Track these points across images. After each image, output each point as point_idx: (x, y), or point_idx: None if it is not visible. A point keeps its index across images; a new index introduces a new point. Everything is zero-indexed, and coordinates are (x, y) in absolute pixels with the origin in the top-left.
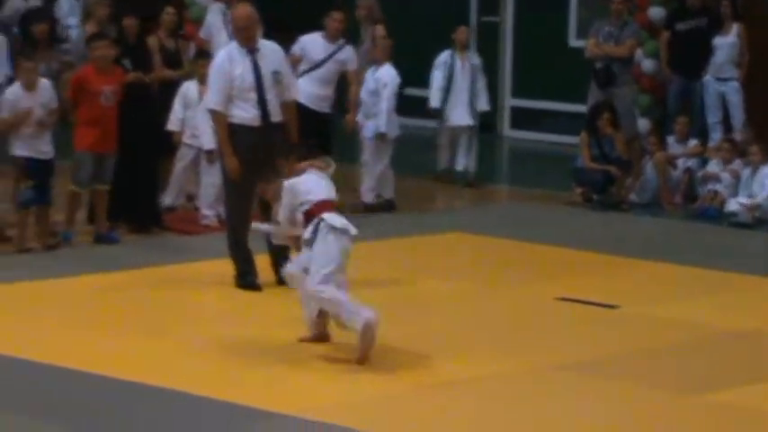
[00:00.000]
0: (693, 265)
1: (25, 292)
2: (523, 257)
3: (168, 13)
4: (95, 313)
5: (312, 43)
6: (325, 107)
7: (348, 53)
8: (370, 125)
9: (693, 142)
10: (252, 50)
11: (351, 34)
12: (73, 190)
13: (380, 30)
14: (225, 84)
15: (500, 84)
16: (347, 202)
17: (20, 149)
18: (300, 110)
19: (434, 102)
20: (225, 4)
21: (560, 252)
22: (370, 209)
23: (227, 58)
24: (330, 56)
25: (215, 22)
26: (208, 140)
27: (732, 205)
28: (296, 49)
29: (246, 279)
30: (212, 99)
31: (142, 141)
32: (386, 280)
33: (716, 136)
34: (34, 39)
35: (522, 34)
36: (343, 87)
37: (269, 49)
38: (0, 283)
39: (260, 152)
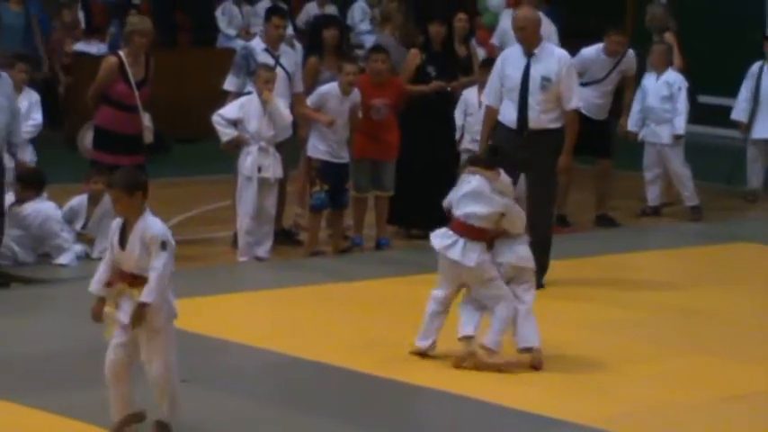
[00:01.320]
0: None
1: (314, 295)
2: None
3: (460, 20)
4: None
5: (593, 60)
6: (602, 114)
7: (629, 61)
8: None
9: None
10: (528, 54)
11: (641, 40)
12: (355, 195)
13: (669, 37)
14: (496, 82)
15: None
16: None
17: (316, 152)
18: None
19: (735, 113)
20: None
21: None
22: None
23: (503, 58)
24: (612, 70)
25: (508, 29)
26: None
27: None
28: (576, 63)
29: None
30: (484, 93)
31: (441, 148)
32: (678, 288)
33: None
34: (322, 44)
35: None
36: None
37: (546, 54)
38: (292, 286)
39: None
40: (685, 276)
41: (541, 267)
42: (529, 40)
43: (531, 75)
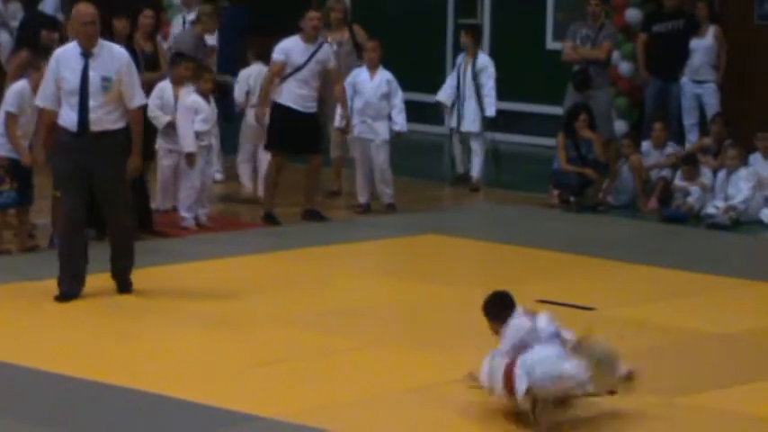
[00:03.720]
0: (671, 268)
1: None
2: (501, 259)
3: (146, 16)
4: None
5: (293, 47)
6: (310, 108)
7: (327, 52)
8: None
9: (670, 148)
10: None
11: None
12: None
13: (359, 31)
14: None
15: None
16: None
17: (1, 150)
18: (287, 112)
19: (441, 95)
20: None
21: (538, 254)
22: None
23: (56, 59)
24: (311, 57)
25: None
26: (189, 143)
27: (709, 208)
28: (277, 55)
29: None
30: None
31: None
32: (364, 282)
33: (693, 138)
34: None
35: (499, 36)
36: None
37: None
38: None
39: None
40: (373, 270)
41: (130, 266)
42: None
43: (90, 76)
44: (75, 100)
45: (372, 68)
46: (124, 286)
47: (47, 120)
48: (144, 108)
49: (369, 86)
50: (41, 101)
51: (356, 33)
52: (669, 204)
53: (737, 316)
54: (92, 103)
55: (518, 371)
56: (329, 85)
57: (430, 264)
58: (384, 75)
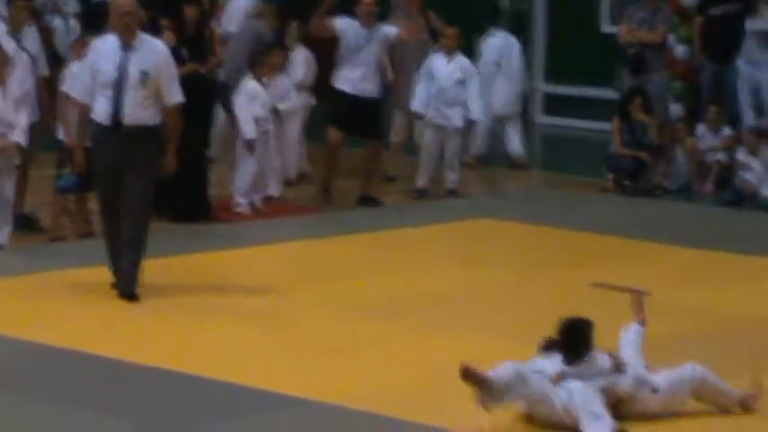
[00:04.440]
0: (727, 251)
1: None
2: (557, 244)
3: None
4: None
5: (349, 27)
6: (368, 92)
7: (385, 37)
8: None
9: (726, 131)
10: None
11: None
12: None
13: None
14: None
15: (533, 70)
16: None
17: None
18: (344, 96)
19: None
20: None
21: (593, 238)
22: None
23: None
24: (367, 41)
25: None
26: (248, 130)
27: (766, 190)
28: (337, 21)
29: None
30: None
31: (190, 132)
32: (416, 267)
33: (748, 121)
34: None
35: (553, 19)
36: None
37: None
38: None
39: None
40: (426, 255)
41: (136, 272)
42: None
43: (128, 69)
44: (110, 93)
45: (449, 54)
46: (129, 290)
47: (82, 113)
48: (180, 106)
49: (444, 72)
50: (76, 92)
51: (431, 19)
52: (725, 188)
53: None
54: (128, 96)
55: None
56: (398, 71)
57: (485, 248)
58: (460, 60)
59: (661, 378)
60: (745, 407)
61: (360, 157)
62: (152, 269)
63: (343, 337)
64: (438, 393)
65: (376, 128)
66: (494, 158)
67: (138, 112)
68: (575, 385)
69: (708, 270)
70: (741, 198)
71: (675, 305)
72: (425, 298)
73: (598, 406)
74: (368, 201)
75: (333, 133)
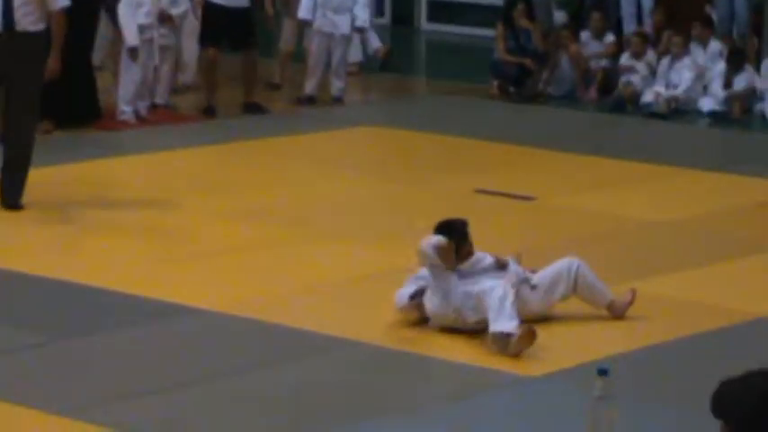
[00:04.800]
0: (610, 157)
1: None
2: (442, 150)
3: None
4: None
5: None
6: (238, 2)
7: None
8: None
9: (609, 38)
10: None
11: None
12: None
13: None
14: None
15: None
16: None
17: None
18: (213, 8)
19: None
20: None
21: (477, 145)
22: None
23: None
24: None
25: None
26: (131, 37)
27: (647, 96)
28: None
29: None
30: None
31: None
32: (301, 175)
33: (630, 27)
34: None
35: None
36: None
37: None
38: None
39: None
40: (308, 164)
41: (21, 182)
42: None
43: None
44: None
45: None
46: (14, 200)
47: None
48: (66, 10)
49: None
50: None
51: None
52: (608, 94)
53: (676, 204)
54: (15, 2)
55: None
56: None
57: (371, 156)
58: None
59: (538, 275)
60: (613, 311)
61: (239, 65)
62: (37, 179)
63: (231, 243)
64: (322, 299)
65: (248, 36)
66: (372, 66)
67: (22, 18)
68: (490, 282)
69: (590, 176)
70: (623, 104)
71: (559, 210)
72: (313, 205)
73: (511, 305)
74: (252, 108)
75: (208, 52)
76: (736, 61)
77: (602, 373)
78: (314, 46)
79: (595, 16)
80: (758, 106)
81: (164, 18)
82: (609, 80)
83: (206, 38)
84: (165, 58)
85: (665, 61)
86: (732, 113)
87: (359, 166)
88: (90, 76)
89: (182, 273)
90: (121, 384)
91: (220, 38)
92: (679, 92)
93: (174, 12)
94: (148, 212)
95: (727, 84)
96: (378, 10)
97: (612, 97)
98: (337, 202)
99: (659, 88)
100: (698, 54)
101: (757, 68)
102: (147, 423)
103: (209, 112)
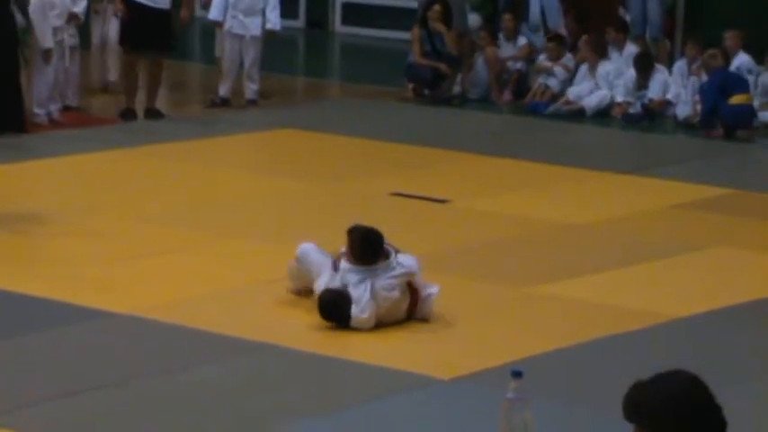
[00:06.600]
0: (524, 160)
1: None
2: (355, 153)
3: None
4: None
5: None
6: (162, 2)
7: None
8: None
9: (522, 41)
10: None
11: None
12: None
13: None
14: None
15: None
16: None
17: None
18: (136, 7)
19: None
20: None
21: (392, 147)
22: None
23: None
24: None
25: None
26: (45, 39)
27: (565, 98)
28: None
29: None
30: None
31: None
32: (216, 177)
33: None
34: None
35: None
36: None
37: None
38: None
39: None
40: (226, 165)
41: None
42: None
43: None
44: None
45: None
46: None
47: None
48: None
49: None
50: None
51: None
52: (523, 97)
53: (590, 206)
54: None
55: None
56: None
57: (286, 158)
58: None
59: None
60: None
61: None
62: None
63: (146, 246)
64: (235, 302)
65: (165, 40)
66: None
67: None
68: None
69: (505, 178)
70: (540, 106)
71: (474, 213)
72: (227, 207)
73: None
74: (153, 114)
75: (128, 56)
76: (643, 64)
77: (517, 374)
78: (227, 48)
79: (506, 17)
80: (671, 109)
81: (71, 18)
82: (523, 83)
83: (126, 39)
84: (73, 59)
85: (584, 68)
86: (647, 117)
87: (274, 169)
88: (16, 84)
89: (96, 276)
90: (31, 389)
91: (141, 39)
92: (598, 97)
93: (77, 9)
94: (63, 216)
95: (640, 87)
96: (292, 13)
97: (527, 101)
98: (251, 204)
99: (580, 90)
100: (614, 57)
101: (671, 70)
102: (56, 428)
103: (128, 115)
